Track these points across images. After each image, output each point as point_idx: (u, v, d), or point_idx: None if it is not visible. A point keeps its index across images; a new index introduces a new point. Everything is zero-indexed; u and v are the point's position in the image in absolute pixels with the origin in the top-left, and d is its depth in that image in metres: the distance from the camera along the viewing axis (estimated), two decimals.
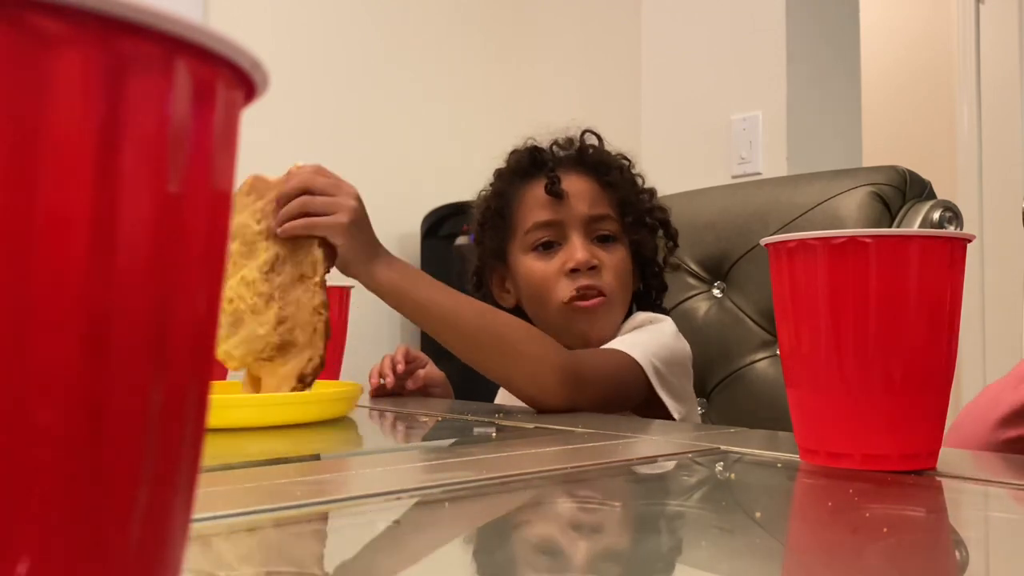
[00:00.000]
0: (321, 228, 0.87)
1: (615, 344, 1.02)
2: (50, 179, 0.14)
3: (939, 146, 3.14)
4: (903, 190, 1.14)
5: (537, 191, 1.09)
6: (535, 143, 1.14)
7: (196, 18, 0.17)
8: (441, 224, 2.11)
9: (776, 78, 2.11)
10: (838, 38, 2.20)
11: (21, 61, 0.13)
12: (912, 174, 1.16)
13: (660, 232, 1.13)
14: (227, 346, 0.85)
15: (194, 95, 0.16)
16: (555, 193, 1.08)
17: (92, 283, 0.14)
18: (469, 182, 2.23)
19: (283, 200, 0.87)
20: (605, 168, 1.10)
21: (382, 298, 0.94)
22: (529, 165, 1.12)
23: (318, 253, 0.87)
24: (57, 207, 0.14)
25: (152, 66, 0.15)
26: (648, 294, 1.15)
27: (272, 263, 0.86)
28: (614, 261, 1.08)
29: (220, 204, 0.18)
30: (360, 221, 0.89)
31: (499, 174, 1.15)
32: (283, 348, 0.85)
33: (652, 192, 1.14)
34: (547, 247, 1.08)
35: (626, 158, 1.14)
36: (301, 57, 2.05)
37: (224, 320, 0.84)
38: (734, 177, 2.14)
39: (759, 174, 2.10)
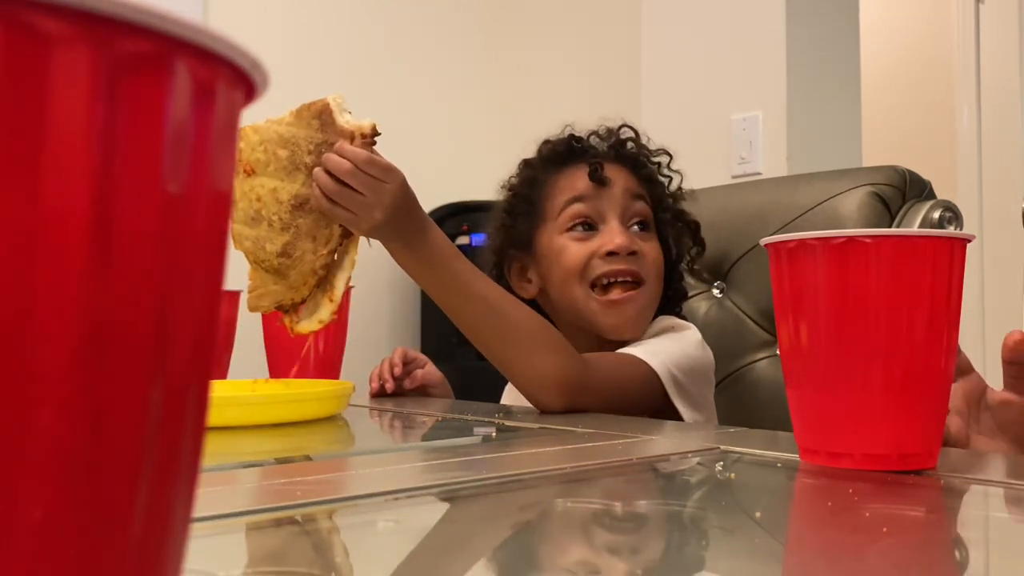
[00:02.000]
0: (341, 222, 0.86)
1: (633, 349, 1.00)
2: (50, 179, 0.14)
3: (939, 146, 3.14)
4: (903, 190, 1.14)
5: (574, 177, 1.07)
6: (572, 131, 1.13)
7: (196, 18, 0.17)
8: (441, 224, 2.11)
9: (776, 78, 2.11)
10: (838, 38, 2.20)
11: (21, 61, 0.13)
12: (912, 174, 1.16)
13: (689, 237, 1.13)
14: (240, 229, 0.86)
15: (194, 95, 0.16)
16: (599, 180, 1.05)
17: (92, 283, 0.14)
18: (469, 182, 2.23)
19: (326, 165, 0.83)
20: (642, 163, 1.10)
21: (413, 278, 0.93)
22: (566, 153, 1.10)
23: (336, 230, 0.87)
24: (57, 207, 0.14)
25: (152, 66, 0.15)
26: (672, 300, 1.13)
27: (302, 202, 0.85)
28: (651, 250, 1.06)
29: (220, 204, 0.18)
30: (387, 221, 0.86)
31: (528, 163, 1.13)
32: (278, 273, 0.86)
33: (683, 195, 1.13)
34: (585, 228, 1.05)
35: (667, 153, 1.13)
36: (301, 57, 2.05)
37: (247, 208, 0.85)
38: (734, 177, 2.14)
39: (759, 174, 2.10)
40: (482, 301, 0.90)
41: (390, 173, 0.86)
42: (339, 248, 0.88)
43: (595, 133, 1.13)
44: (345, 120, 0.86)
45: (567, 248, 1.05)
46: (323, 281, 0.88)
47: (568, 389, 0.90)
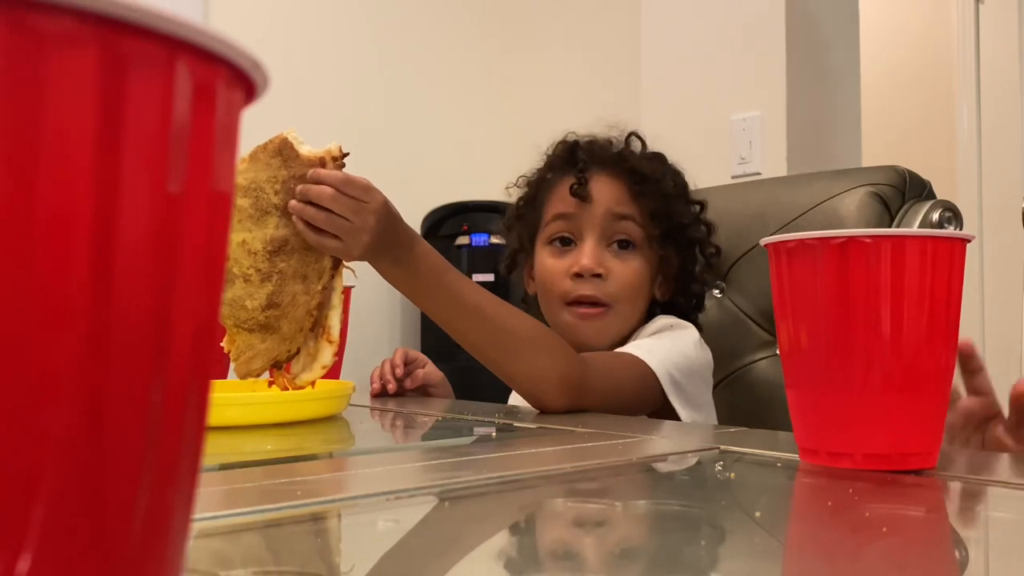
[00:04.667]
0: (332, 251, 0.84)
1: (632, 348, 1.01)
2: (50, 179, 0.14)
3: (939, 146, 3.14)
4: (903, 190, 1.14)
5: (565, 186, 1.09)
6: (576, 138, 1.14)
7: (196, 18, 0.17)
8: (441, 224, 2.12)
9: (776, 78, 2.10)
10: (838, 38, 2.20)
11: (21, 61, 0.13)
12: (912, 174, 1.16)
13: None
14: None
15: (194, 95, 0.16)
16: (579, 195, 1.08)
17: (93, 283, 0.14)
18: (469, 182, 2.23)
19: (304, 196, 0.81)
20: (638, 176, 1.09)
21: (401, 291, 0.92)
22: (564, 160, 1.12)
23: (327, 263, 0.83)
24: (57, 207, 0.14)
25: (152, 66, 0.15)
26: (683, 306, 1.13)
27: (280, 245, 0.81)
28: (625, 271, 1.07)
29: (220, 204, 0.18)
30: (376, 241, 0.85)
31: (541, 162, 1.16)
32: (266, 328, 0.81)
33: (691, 206, 1.12)
34: (563, 243, 1.09)
35: (674, 171, 1.12)
36: (301, 57, 2.05)
37: None
38: (734, 177, 2.14)
39: (759, 174, 2.09)
40: (476, 311, 0.90)
41: (370, 192, 0.85)
42: (327, 285, 0.84)
43: (595, 140, 1.13)
44: (307, 150, 0.82)
45: (544, 262, 1.10)
46: (316, 324, 0.83)
47: (569, 388, 0.90)
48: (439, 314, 0.91)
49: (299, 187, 0.81)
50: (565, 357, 0.91)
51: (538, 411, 0.92)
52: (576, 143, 1.13)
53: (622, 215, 1.08)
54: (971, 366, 0.69)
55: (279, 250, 0.81)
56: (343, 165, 0.84)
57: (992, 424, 0.69)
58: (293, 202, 0.81)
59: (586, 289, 1.06)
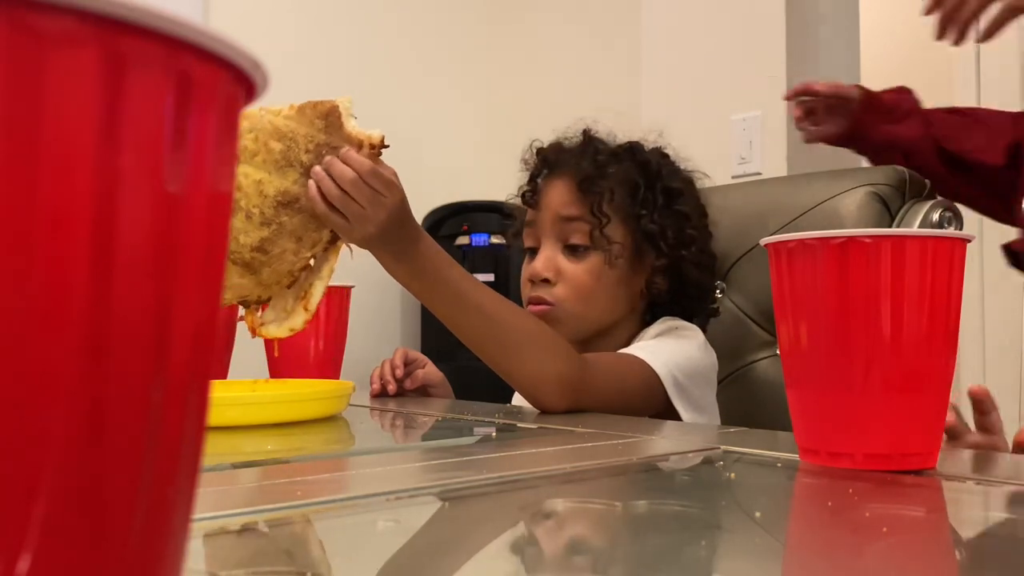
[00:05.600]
0: (334, 227, 0.84)
1: (635, 350, 1.01)
2: (50, 179, 0.14)
3: None
4: (903, 190, 1.14)
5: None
6: (540, 144, 1.15)
7: (196, 18, 0.18)
8: (441, 224, 2.11)
9: (776, 78, 2.10)
10: (838, 38, 2.20)
11: (21, 61, 0.13)
12: (912, 174, 1.16)
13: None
14: None
15: (194, 95, 0.16)
16: (527, 202, 1.12)
17: (92, 283, 0.14)
18: (469, 182, 2.23)
19: (327, 168, 0.82)
20: (582, 175, 1.08)
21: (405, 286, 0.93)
22: (533, 168, 1.14)
23: (325, 235, 0.84)
24: (57, 207, 0.14)
25: (152, 66, 0.15)
26: (685, 306, 1.12)
27: (290, 200, 0.81)
28: (575, 273, 1.07)
29: (220, 204, 0.18)
30: (380, 234, 0.85)
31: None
32: (248, 267, 0.81)
33: (659, 197, 1.09)
34: (531, 252, 1.11)
35: (643, 162, 1.10)
36: (301, 57, 2.05)
37: None
38: (734, 177, 2.14)
39: (759, 174, 2.09)
40: (478, 309, 0.90)
41: (391, 188, 0.85)
42: (320, 254, 0.85)
43: (556, 144, 1.13)
44: (352, 126, 0.83)
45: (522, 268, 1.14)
46: (295, 284, 0.84)
47: (568, 389, 0.90)
48: (441, 310, 0.91)
49: (327, 158, 0.82)
50: (566, 358, 0.91)
51: (538, 411, 0.92)
52: (538, 149, 1.14)
53: (569, 217, 1.07)
54: (984, 407, 0.70)
55: (288, 204, 0.81)
56: (379, 154, 0.85)
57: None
58: (317, 168, 0.82)
59: (537, 292, 1.08)
